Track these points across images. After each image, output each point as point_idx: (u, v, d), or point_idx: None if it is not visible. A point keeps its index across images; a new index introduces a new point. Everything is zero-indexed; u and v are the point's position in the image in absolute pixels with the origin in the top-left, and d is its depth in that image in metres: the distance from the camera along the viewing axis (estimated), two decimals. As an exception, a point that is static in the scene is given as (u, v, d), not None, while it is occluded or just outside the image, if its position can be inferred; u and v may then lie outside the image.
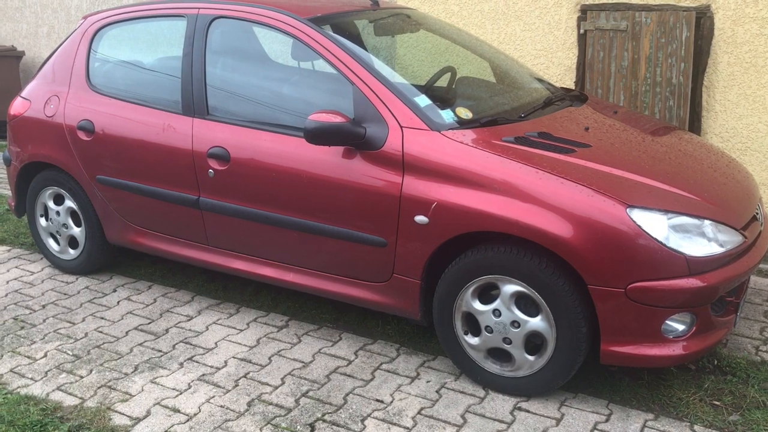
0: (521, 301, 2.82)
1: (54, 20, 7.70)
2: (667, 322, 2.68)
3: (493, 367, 2.95)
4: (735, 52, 4.32)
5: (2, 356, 3.33)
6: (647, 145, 3.19)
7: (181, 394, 3.00)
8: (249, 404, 2.92)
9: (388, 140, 2.97)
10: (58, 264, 4.26)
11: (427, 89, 3.36)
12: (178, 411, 2.88)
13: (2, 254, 4.54)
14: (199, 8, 3.61)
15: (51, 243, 4.26)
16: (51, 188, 4.14)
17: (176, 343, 3.40)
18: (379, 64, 3.30)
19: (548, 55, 4.89)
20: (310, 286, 3.36)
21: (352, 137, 2.98)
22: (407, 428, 2.75)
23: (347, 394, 2.97)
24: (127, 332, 3.52)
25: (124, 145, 3.72)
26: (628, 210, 2.63)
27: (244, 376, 3.11)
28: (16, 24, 8.04)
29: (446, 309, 2.97)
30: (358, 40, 3.64)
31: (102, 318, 3.68)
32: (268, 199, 3.30)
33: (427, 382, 3.05)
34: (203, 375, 3.13)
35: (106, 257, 4.18)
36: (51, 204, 4.18)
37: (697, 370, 3.08)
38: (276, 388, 3.03)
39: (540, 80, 3.87)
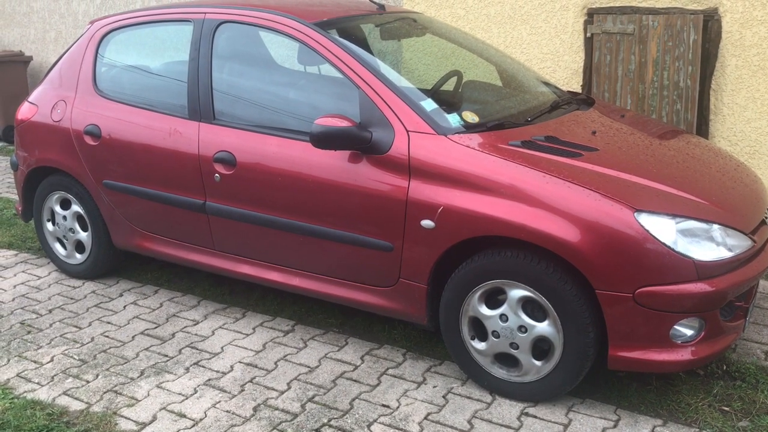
0: (528, 306, 2.81)
1: (61, 25, 7.73)
2: (675, 327, 2.67)
3: (500, 372, 2.93)
4: (743, 55, 4.30)
5: (9, 361, 3.33)
6: (655, 149, 3.17)
7: (187, 399, 2.99)
8: (255, 409, 2.91)
9: (394, 144, 2.97)
10: (65, 268, 4.26)
11: (434, 93, 3.36)
12: (184, 416, 2.88)
13: (9, 259, 4.55)
14: (205, 13, 3.61)
15: (58, 247, 4.27)
16: (58, 193, 4.15)
17: (182, 348, 3.40)
18: (385, 68, 3.30)
19: (555, 58, 4.87)
20: (316, 291, 3.36)
21: (358, 141, 2.97)
22: (414, 434, 2.74)
23: (353, 399, 2.96)
24: (133, 337, 3.52)
25: (130, 150, 3.73)
26: (635, 214, 2.61)
27: (250, 381, 3.11)
28: (23, 29, 8.09)
29: (453, 314, 2.96)
30: (364, 44, 3.64)
31: (108, 322, 3.68)
32: (274, 203, 3.29)
33: (434, 387, 3.04)
34: (209, 380, 3.13)
35: (112, 262, 4.18)
36: (58, 208, 4.19)
37: (706, 375, 3.06)
38: (282, 393, 3.02)
39: (547, 84, 3.86)
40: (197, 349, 3.39)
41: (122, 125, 3.76)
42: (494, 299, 2.89)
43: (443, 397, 2.97)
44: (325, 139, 2.97)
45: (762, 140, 4.35)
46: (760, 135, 4.34)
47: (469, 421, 2.80)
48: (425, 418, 2.83)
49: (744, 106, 4.35)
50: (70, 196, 4.11)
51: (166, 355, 3.34)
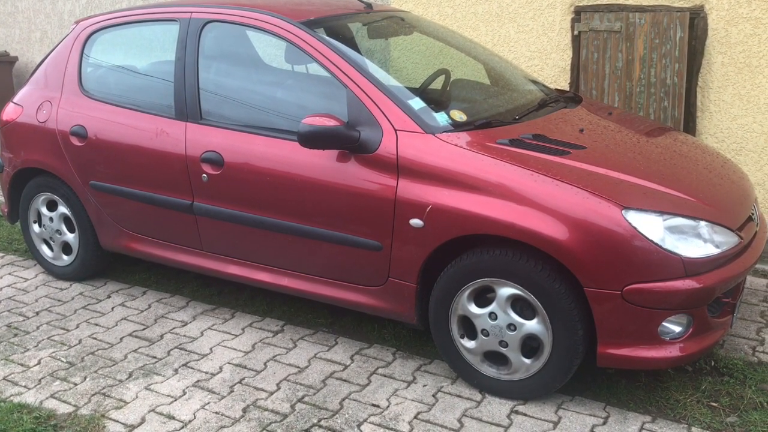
0: (517, 304, 2.81)
1: (47, 25, 7.67)
2: (663, 323, 2.68)
3: (489, 370, 2.93)
4: (729, 53, 4.31)
5: (-5, 364, 3.30)
6: (642, 147, 3.18)
7: (175, 400, 2.98)
8: (244, 410, 2.90)
9: (382, 143, 2.96)
10: (52, 270, 4.23)
11: (421, 92, 3.35)
12: (173, 418, 2.86)
13: (-5, 261, 4.52)
14: (191, 12, 3.59)
15: (44, 249, 4.24)
16: (44, 194, 4.12)
17: (171, 349, 3.38)
18: (372, 67, 3.29)
19: (542, 56, 4.88)
20: (305, 291, 3.35)
21: (346, 141, 2.96)
22: (404, 433, 2.73)
23: (343, 400, 2.95)
24: (121, 338, 3.50)
25: (117, 151, 3.70)
26: (623, 212, 2.62)
27: (240, 382, 3.09)
28: (8, 29, 8.02)
29: (442, 312, 2.96)
30: (351, 43, 3.63)
31: (96, 324, 3.66)
32: (263, 203, 3.28)
33: (424, 386, 3.03)
34: (198, 381, 3.11)
35: (100, 263, 4.16)
36: (44, 210, 4.16)
37: (694, 371, 3.07)
38: (271, 393, 3.01)
39: (534, 82, 3.86)
40: (186, 350, 3.37)
41: (108, 126, 3.73)
42: (483, 298, 2.89)
43: (433, 396, 2.96)
44: (312, 139, 2.96)
45: (748, 137, 4.37)
46: (747, 132, 4.37)
47: (459, 420, 2.80)
48: (415, 417, 2.82)
49: (730, 103, 4.37)
50: (56, 198, 4.08)
51: (155, 357, 3.32)
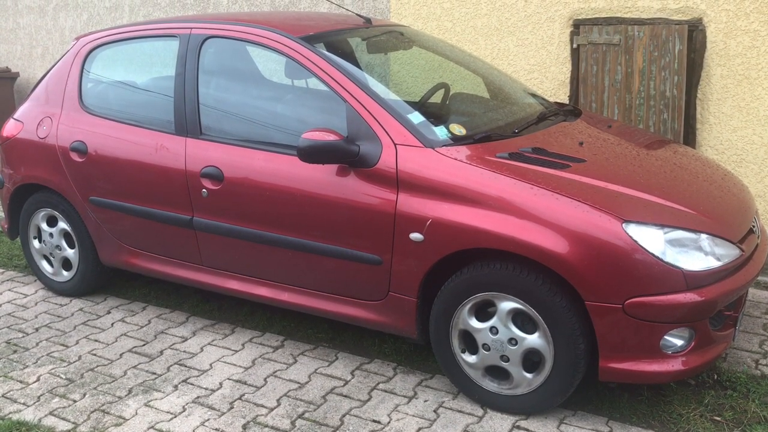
0: (518, 318, 2.80)
1: (48, 41, 7.71)
2: (665, 337, 2.66)
3: (491, 385, 2.92)
4: (728, 65, 4.32)
5: (-6, 381, 3.29)
6: (642, 159, 3.18)
7: (175, 417, 2.96)
8: (244, 427, 2.88)
9: (381, 158, 2.96)
10: (52, 286, 4.22)
11: (421, 106, 3.36)
12: (173, 435, 2.84)
13: (-5, 277, 4.51)
14: (191, 28, 3.61)
15: (44, 265, 4.23)
16: (44, 210, 4.12)
17: (171, 365, 3.36)
18: (372, 82, 3.29)
19: (542, 70, 4.89)
20: (305, 306, 3.33)
21: (346, 155, 2.97)
22: (405, 449, 2.71)
23: (344, 415, 2.93)
24: (121, 354, 3.48)
25: (117, 166, 3.70)
26: (624, 225, 2.61)
27: (240, 398, 3.08)
28: (10, 45, 8.05)
29: (443, 327, 2.95)
30: (351, 58, 3.64)
31: (96, 340, 3.64)
32: (262, 218, 3.28)
33: (425, 401, 3.02)
34: (198, 397, 3.09)
35: (99, 279, 4.15)
36: (44, 226, 4.16)
37: (697, 385, 3.05)
38: (272, 410, 2.99)
39: (534, 95, 3.87)
40: (186, 366, 3.36)
41: (108, 141, 3.74)
42: (484, 312, 2.88)
43: (434, 411, 2.94)
44: (312, 153, 2.96)
45: (748, 149, 4.37)
46: (747, 143, 4.37)
47: (460, 436, 2.78)
48: (416, 433, 2.81)
49: (730, 115, 4.37)
50: (56, 213, 4.07)
51: (155, 373, 3.30)
